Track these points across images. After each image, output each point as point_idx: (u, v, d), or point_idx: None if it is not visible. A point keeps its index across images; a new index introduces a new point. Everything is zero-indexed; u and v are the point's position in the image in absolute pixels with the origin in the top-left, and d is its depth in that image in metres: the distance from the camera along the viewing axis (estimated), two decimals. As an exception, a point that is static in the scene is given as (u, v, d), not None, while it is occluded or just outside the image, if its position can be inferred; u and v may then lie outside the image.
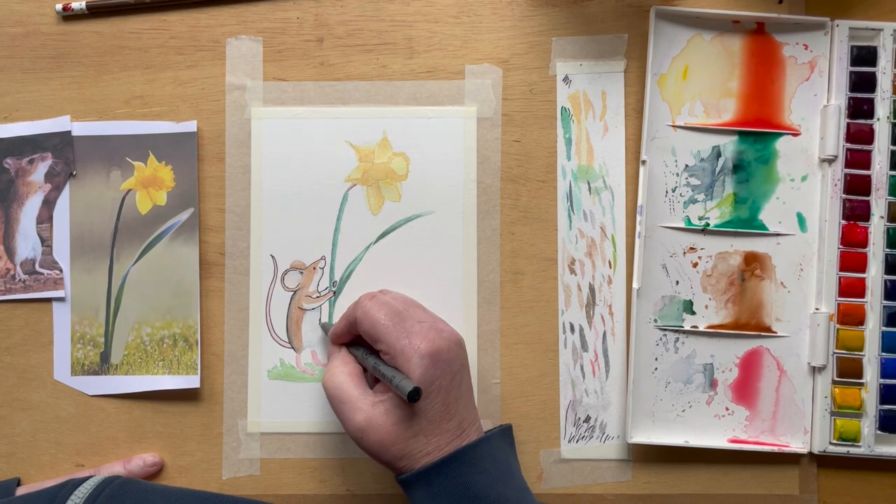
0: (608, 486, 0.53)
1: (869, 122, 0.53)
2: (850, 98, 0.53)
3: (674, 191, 0.53)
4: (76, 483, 0.42)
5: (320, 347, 0.53)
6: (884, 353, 0.52)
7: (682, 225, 0.53)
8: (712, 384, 0.53)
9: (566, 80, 0.54)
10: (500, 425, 0.48)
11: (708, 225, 0.53)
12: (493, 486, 0.43)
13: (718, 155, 0.53)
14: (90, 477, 0.43)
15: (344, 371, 0.47)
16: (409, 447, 0.43)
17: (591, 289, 0.54)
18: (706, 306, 0.53)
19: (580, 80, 0.54)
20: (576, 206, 0.54)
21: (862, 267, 0.53)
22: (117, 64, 0.54)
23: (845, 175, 0.53)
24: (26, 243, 0.53)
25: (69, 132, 0.53)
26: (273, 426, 0.53)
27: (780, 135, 0.53)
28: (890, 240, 0.52)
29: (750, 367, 0.53)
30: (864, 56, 0.53)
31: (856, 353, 0.52)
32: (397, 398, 0.44)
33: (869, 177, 0.53)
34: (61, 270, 0.53)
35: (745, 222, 0.53)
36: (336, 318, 0.53)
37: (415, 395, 0.42)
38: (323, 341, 0.53)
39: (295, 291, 0.53)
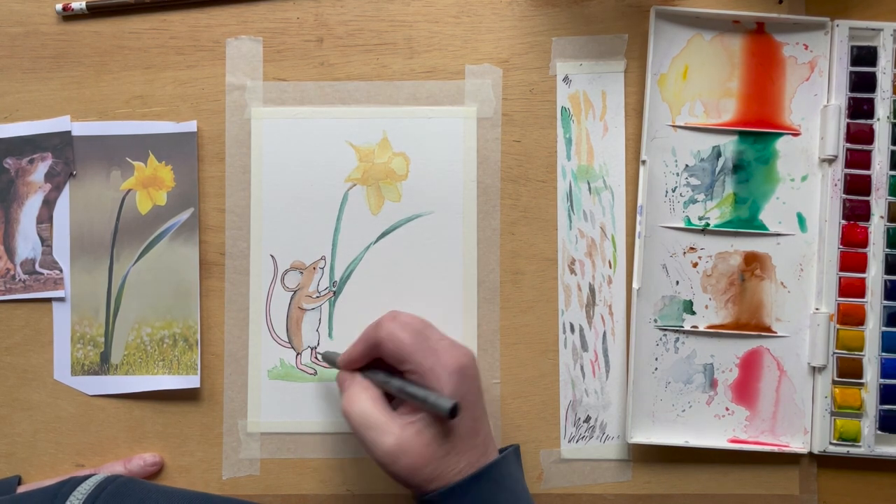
0: (608, 486, 0.53)
1: (869, 122, 0.53)
2: (850, 98, 0.53)
3: (674, 191, 0.53)
4: (78, 481, 0.42)
5: (321, 347, 0.53)
6: (884, 353, 0.52)
7: (682, 225, 0.53)
8: (712, 384, 0.53)
9: (566, 80, 0.54)
10: (511, 445, 0.48)
11: (708, 225, 0.53)
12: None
13: (718, 155, 0.53)
14: (92, 475, 0.43)
15: (365, 396, 0.45)
16: (441, 467, 0.43)
17: (591, 289, 0.54)
18: (706, 306, 0.53)
19: (580, 80, 0.54)
20: (576, 206, 0.54)
21: (862, 267, 0.53)
22: (117, 64, 0.54)
23: (845, 175, 0.53)
24: (26, 243, 0.53)
25: (69, 132, 0.53)
26: (273, 426, 0.53)
27: (780, 135, 0.53)
28: (890, 240, 0.52)
29: (750, 367, 0.53)
30: (864, 56, 0.53)
31: (856, 353, 0.52)
32: (429, 418, 0.43)
33: (869, 177, 0.53)
34: (61, 270, 0.53)
35: (745, 222, 0.53)
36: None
37: (455, 411, 0.41)
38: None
39: (295, 291, 0.53)
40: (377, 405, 0.44)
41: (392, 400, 0.46)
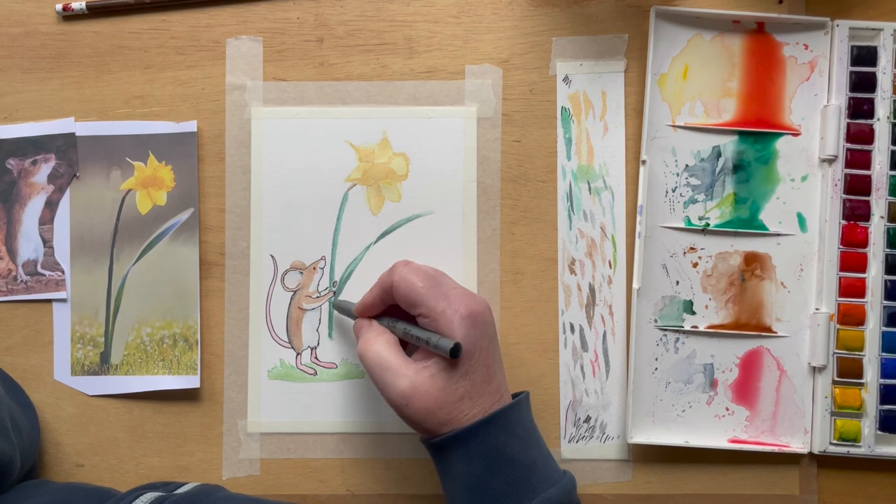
0: (608, 486, 0.53)
1: (869, 122, 0.53)
2: (850, 98, 0.53)
3: (674, 191, 0.53)
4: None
5: (320, 348, 0.53)
6: (884, 354, 0.52)
7: (682, 225, 0.53)
8: (712, 384, 0.53)
9: (566, 80, 0.54)
10: (521, 392, 0.48)
11: (708, 225, 0.53)
12: (524, 450, 0.44)
13: (718, 155, 0.53)
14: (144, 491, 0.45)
15: (381, 339, 0.46)
16: (454, 411, 0.43)
17: (591, 289, 0.54)
18: (706, 306, 0.53)
19: (580, 80, 0.54)
20: (576, 206, 0.54)
21: (862, 267, 0.53)
22: (117, 64, 0.54)
23: (845, 175, 0.53)
24: (28, 244, 0.54)
25: (73, 134, 0.53)
26: (273, 426, 0.53)
27: (781, 135, 0.53)
28: (890, 240, 0.52)
29: (750, 367, 0.53)
30: (864, 56, 0.53)
31: (856, 353, 0.52)
32: (441, 362, 0.44)
33: (869, 177, 0.53)
34: (63, 272, 0.53)
35: (746, 222, 0.53)
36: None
37: (456, 352, 0.42)
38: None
39: (295, 291, 0.53)
40: (392, 349, 0.45)
41: (407, 348, 0.47)
